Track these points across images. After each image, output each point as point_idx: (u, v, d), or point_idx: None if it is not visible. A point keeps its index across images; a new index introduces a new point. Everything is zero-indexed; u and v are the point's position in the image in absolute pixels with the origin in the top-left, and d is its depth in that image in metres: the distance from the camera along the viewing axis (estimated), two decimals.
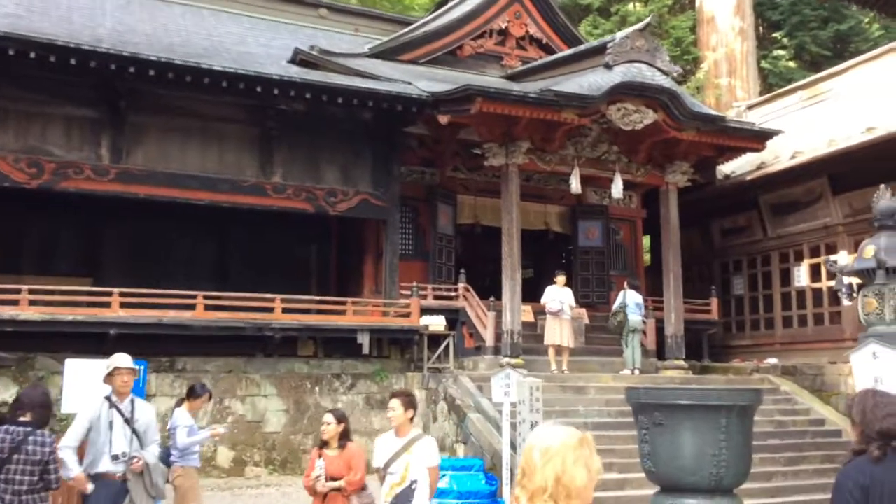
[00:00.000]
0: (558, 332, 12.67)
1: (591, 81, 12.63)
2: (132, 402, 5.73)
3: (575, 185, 13.60)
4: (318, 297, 12.47)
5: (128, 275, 13.52)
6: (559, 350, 12.90)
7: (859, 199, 15.02)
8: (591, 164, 13.98)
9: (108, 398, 5.64)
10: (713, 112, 14.09)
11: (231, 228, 15.22)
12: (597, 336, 14.99)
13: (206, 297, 11.53)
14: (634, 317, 13.25)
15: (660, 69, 13.06)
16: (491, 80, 14.69)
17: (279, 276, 14.91)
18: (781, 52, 29.28)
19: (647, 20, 13.53)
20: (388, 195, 13.86)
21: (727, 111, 22.84)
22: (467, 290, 14.15)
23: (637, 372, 13.01)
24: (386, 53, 15.04)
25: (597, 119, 13.20)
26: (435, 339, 13.39)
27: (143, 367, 8.71)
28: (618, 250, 17.16)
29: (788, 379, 13.72)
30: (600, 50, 13.29)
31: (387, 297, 13.62)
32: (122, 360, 5.68)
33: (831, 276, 10.82)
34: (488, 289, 14.15)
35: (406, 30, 15.95)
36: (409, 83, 13.30)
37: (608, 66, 12.78)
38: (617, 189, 13.90)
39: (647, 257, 22.23)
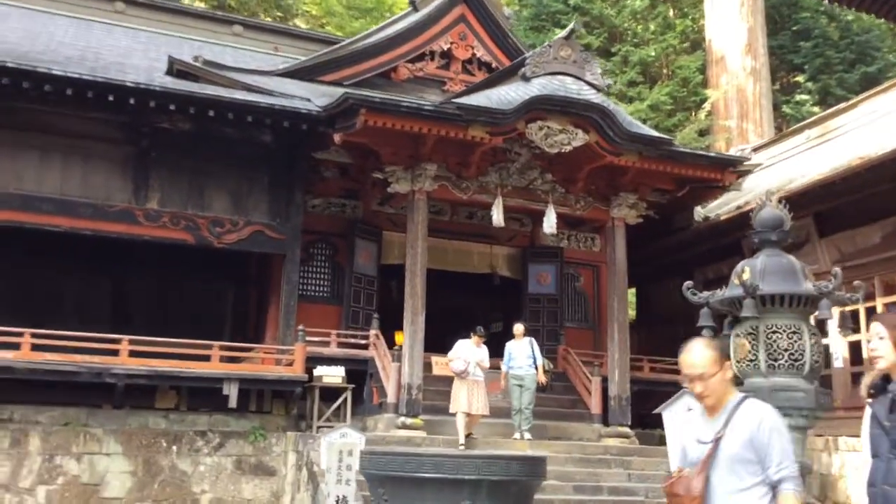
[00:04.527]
0: (465, 398, 10.40)
1: (502, 95, 10.87)
2: None
3: (497, 217, 11.73)
4: (180, 341, 10.75)
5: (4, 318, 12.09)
6: (473, 419, 10.74)
7: (848, 242, 12.76)
8: (518, 195, 12.09)
9: None
10: (656, 134, 12.11)
11: (136, 266, 13.76)
12: (550, 397, 12.83)
13: (34, 336, 9.93)
14: (522, 370, 11.07)
15: (589, 83, 11.23)
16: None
17: (191, 320, 13.34)
18: (805, 97, 27.05)
19: (572, 26, 11.73)
20: (288, 227, 12.19)
21: (737, 156, 20.76)
22: (378, 339, 12.26)
23: (526, 436, 10.79)
24: (301, 73, 13.58)
25: (514, 139, 11.38)
26: (337, 394, 11.55)
27: None
28: (576, 299, 15.08)
29: None
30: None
31: (281, 344, 11.84)
32: None
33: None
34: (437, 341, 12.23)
35: (330, 49, 14.51)
36: (308, 100, 11.76)
37: (525, 79, 11.01)
38: (549, 223, 11.94)
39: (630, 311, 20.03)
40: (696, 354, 3.17)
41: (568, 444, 11.11)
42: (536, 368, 11.22)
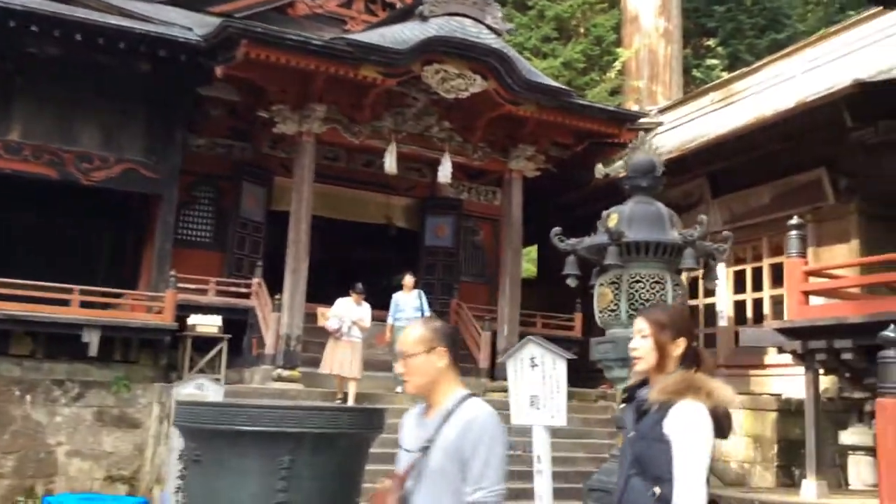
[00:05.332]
0: (338, 359, 9.83)
1: (397, 33, 10.32)
2: None
3: (389, 163, 11.25)
4: (37, 283, 9.94)
5: None
6: (349, 380, 10.08)
7: (739, 203, 12.80)
8: (413, 141, 11.62)
9: None
10: (555, 84, 11.80)
11: (17, 205, 12.68)
12: None
13: None
14: (406, 324, 10.64)
15: (489, 27, 10.78)
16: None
17: (64, 262, 12.42)
18: (715, 62, 27.31)
19: None
20: (166, 166, 11.41)
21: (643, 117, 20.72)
22: (260, 287, 11.68)
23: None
24: (188, 1, 12.67)
25: (410, 82, 10.87)
26: (214, 344, 10.96)
27: None
28: (475, 253, 14.78)
29: None
30: None
31: (154, 290, 11.14)
32: None
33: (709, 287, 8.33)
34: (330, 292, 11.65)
35: None
36: (190, 29, 10.94)
37: (423, 18, 10.48)
38: (444, 173, 11.55)
39: (531, 268, 20.01)
40: (409, 330, 2.70)
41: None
42: None
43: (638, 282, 4.90)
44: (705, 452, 2.42)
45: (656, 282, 4.88)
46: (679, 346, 2.60)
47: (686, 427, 2.42)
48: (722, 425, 2.49)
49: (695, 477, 2.38)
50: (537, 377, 4.03)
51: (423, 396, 2.61)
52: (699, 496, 2.36)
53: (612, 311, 4.96)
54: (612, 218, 5.06)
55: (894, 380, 4.28)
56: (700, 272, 5.05)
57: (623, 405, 2.77)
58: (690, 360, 2.60)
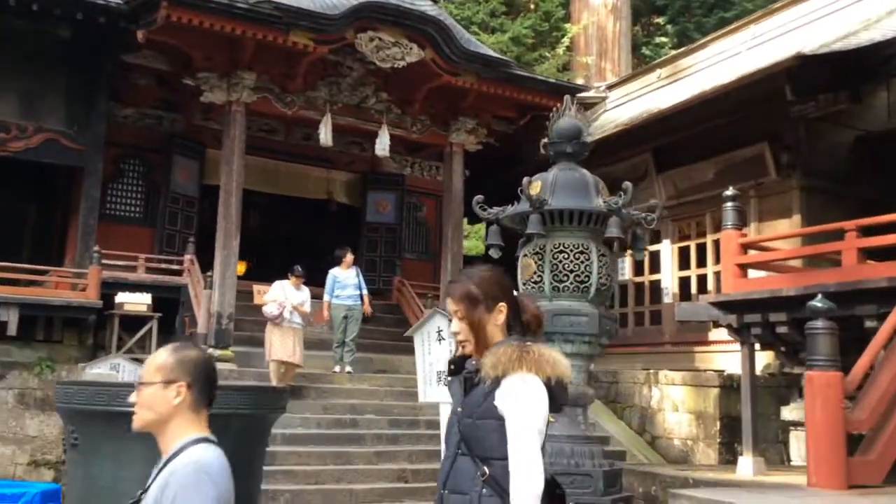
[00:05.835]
0: (277, 345, 9.23)
1: None
2: None
3: (324, 135, 10.86)
4: None
5: None
6: (288, 369, 9.42)
7: (683, 178, 12.69)
8: (349, 113, 11.24)
9: None
10: (494, 54, 11.51)
11: None
12: (379, 329, 12.23)
13: None
14: (351, 300, 10.39)
15: None
16: None
17: None
18: (664, 40, 27.28)
19: None
20: (89, 137, 10.87)
21: (589, 92, 20.56)
22: (192, 264, 11.25)
23: (347, 369, 10.21)
24: None
25: (344, 50, 10.47)
26: (144, 323, 10.54)
27: None
28: (418, 229, 14.47)
29: None
30: None
31: (79, 267, 10.64)
32: None
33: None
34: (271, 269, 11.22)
35: None
36: None
37: None
38: (382, 145, 11.20)
39: (480, 245, 19.79)
40: (153, 356, 2.18)
41: (392, 378, 10.60)
42: (362, 298, 10.56)
43: (562, 252, 4.67)
44: (541, 427, 2.21)
45: (581, 252, 4.65)
46: (501, 313, 2.34)
47: (520, 401, 2.20)
48: (556, 398, 2.26)
49: (531, 452, 2.17)
50: (444, 351, 3.78)
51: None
52: (537, 472, 2.15)
53: (536, 282, 4.72)
54: (535, 185, 4.81)
55: (822, 352, 4.12)
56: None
57: (450, 378, 2.48)
58: (518, 323, 2.37)
